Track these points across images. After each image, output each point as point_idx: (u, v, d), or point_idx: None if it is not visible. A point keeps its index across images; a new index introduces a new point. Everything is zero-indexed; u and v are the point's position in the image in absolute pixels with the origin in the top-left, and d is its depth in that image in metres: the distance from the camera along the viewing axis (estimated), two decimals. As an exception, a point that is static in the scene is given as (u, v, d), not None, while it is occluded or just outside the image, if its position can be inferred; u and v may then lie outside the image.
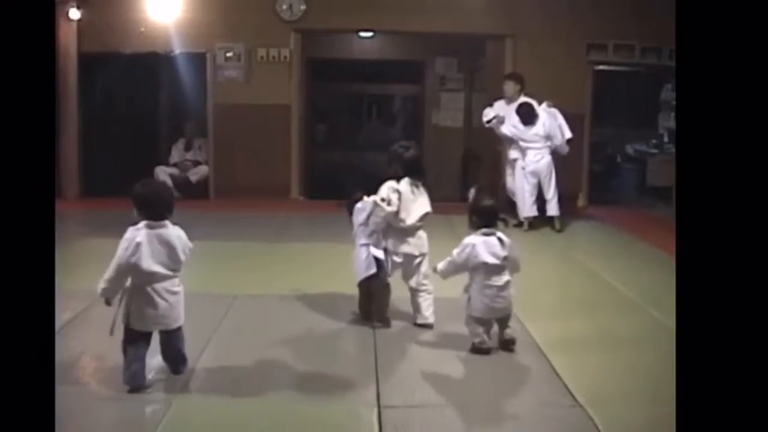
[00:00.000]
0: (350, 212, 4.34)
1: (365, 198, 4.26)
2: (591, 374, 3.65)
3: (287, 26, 8.90)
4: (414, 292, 4.28)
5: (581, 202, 9.21)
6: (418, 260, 4.25)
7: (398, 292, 4.36)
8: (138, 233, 3.24)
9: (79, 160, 9.05)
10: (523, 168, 7.52)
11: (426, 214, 4.22)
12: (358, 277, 4.24)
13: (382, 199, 4.12)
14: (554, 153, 7.53)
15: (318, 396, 3.32)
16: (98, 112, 9.35)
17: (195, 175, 9.34)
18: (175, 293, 3.32)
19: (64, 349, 3.58)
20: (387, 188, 4.17)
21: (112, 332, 3.29)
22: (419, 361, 3.79)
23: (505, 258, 3.84)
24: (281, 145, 9.06)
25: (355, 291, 4.36)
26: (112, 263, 3.22)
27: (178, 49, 8.91)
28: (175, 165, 9.44)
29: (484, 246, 3.83)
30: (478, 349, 3.83)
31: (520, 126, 7.44)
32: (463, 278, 3.98)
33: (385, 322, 4.26)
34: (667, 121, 10.93)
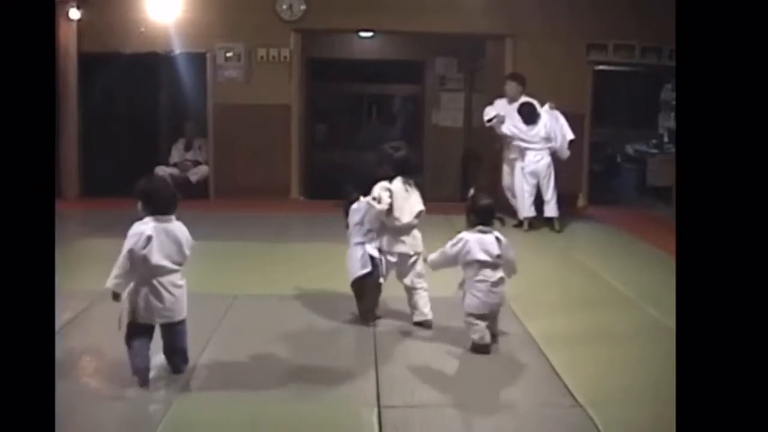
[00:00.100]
0: (346, 213, 4.34)
1: (361, 198, 4.28)
2: (591, 374, 3.65)
3: (287, 26, 8.90)
4: (410, 291, 4.28)
5: (581, 202, 9.21)
6: (413, 259, 4.25)
7: (395, 291, 4.36)
8: (146, 227, 3.28)
9: (79, 160, 9.05)
10: (523, 168, 7.51)
11: (420, 212, 4.23)
12: (353, 276, 4.24)
13: (374, 198, 4.14)
14: (554, 156, 7.53)
15: (318, 396, 3.32)
16: (98, 112, 9.35)
17: (195, 175, 9.35)
18: (179, 287, 3.38)
19: (64, 349, 3.59)
20: (379, 188, 4.19)
21: (120, 327, 3.32)
22: (419, 360, 3.79)
23: (498, 256, 3.85)
24: (281, 145, 9.06)
25: (355, 291, 4.37)
26: (121, 256, 3.25)
27: (178, 49, 8.91)
28: (175, 165, 9.45)
29: (478, 243, 3.84)
30: (479, 346, 3.83)
31: (521, 125, 7.43)
32: (457, 276, 3.98)
33: (372, 319, 4.26)
34: (667, 121, 10.93)
